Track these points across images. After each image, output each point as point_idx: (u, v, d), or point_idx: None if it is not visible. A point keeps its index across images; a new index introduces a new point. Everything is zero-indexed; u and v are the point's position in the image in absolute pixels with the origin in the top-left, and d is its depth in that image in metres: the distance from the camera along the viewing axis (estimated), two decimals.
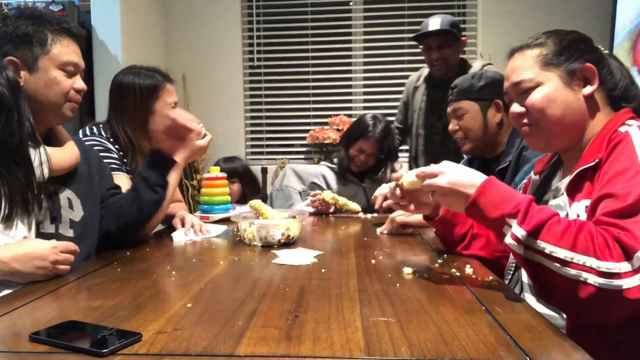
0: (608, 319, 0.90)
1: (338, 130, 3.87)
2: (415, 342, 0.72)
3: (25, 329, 0.79)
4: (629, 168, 0.92)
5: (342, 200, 2.08)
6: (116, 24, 3.21)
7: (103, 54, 3.19)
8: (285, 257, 1.30)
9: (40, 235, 1.26)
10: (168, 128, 1.56)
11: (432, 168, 1.06)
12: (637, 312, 0.86)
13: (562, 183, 1.12)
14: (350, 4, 4.05)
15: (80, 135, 1.70)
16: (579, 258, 0.87)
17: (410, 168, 2.98)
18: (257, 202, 1.66)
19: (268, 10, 4.10)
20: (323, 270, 1.16)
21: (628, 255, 0.85)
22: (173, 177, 1.54)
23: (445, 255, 1.31)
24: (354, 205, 2.10)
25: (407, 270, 1.12)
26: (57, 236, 1.29)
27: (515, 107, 1.15)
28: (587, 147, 1.07)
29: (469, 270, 1.13)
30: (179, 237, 1.61)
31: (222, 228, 1.74)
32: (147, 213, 1.46)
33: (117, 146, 1.73)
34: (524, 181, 1.57)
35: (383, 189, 1.85)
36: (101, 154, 1.63)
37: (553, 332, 0.77)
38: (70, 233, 1.32)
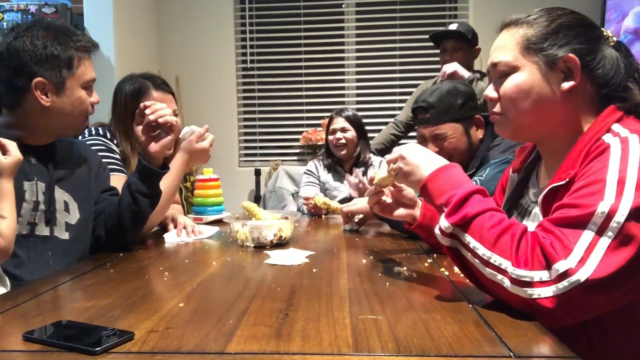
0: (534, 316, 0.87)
1: None
2: (402, 338, 0.74)
3: (18, 328, 0.80)
4: (593, 182, 0.85)
5: (334, 204, 2.10)
6: (109, 26, 3.22)
7: (96, 57, 3.18)
8: (277, 257, 1.32)
9: (34, 237, 1.27)
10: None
11: (394, 151, 1.07)
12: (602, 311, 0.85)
13: (540, 196, 1.01)
14: (343, 6, 4.07)
15: (86, 135, 1.72)
16: (495, 258, 0.85)
17: None
18: (249, 204, 1.67)
19: (261, 12, 4.12)
20: (314, 270, 1.18)
21: (548, 265, 0.81)
22: (168, 181, 1.53)
23: (434, 255, 1.33)
24: None
25: (397, 270, 1.14)
26: (52, 239, 1.30)
27: (489, 91, 1.07)
28: (567, 156, 0.97)
29: (457, 269, 1.15)
30: (171, 239, 1.62)
31: (215, 229, 1.75)
32: (127, 220, 1.41)
33: (120, 148, 1.74)
34: (483, 176, 1.55)
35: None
36: (103, 153, 1.64)
37: (537, 328, 0.79)
38: (65, 236, 1.33)
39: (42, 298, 1.00)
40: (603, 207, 0.82)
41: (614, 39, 1.02)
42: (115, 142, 1.74)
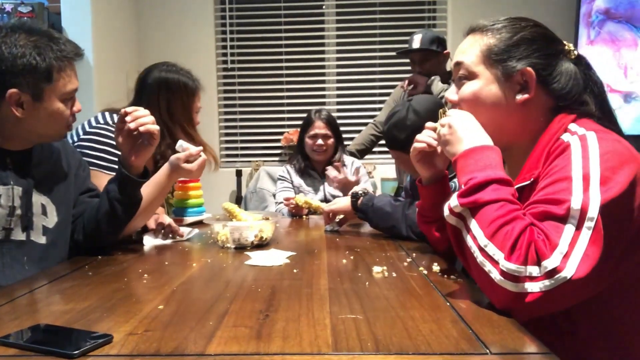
0: (509, 310, 0.88)
1: None
2: (381, 337, 0.75)
3: None
4: (561, 180, 0.88)
5: (315, 203, 2.11)
6: (87, 26, 3.18)
7: None
8: (257, 258, 1.32)
9: (10, 242, 1.25)
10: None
11: (449, 113, 1.07)
12: (584, 302, 0.88)
13: None
14: (323, 7, 4.08)
15: (94, 122, 1.69)
16: (490, 248, 0.87)
17: (397, 167, 3.13)
18: (230, 205, 1.67)
19: (241, 12, 4.11)
20: (295, 271, 1.18)
21: (539, 261, 0.84)
22: (149, 191, 1.48)
23: (414, 254, 1.34)
24: None
25: (377, 269, 1.15)
26: (29, 243, 1.27)
27: (450, 94, 1.11)
28: (527, 159, 1.01)
29: (435, 268, 1.17)
30: (150, 241, 1.59)
31: (195, 231, 1.74)
32: (105, 226, 1.38)
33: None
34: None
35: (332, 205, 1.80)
36: (108, 148, 1.62)
37: (513, 325, 0.81)
38: (42, 240, 1.30)
39: (18, 302, 0.98)
40: (576, 203, 0.85)
41: (575, 52, 1.06)
42: None
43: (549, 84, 1.02)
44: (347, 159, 2.69)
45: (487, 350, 0.70)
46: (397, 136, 1.66)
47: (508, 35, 1.04)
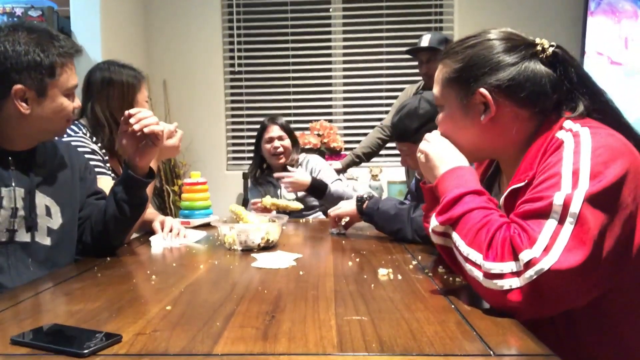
0: (507, 311, 0.87)
1: (319, 135, 3.91)
2: (386, 338, 0.76)
3: (6, 332, 0.81)
4: (551, 176, 0.89)
5: (283, 202, 2.13)
6: (96, 30, 3.21)
7: (83, 60, 3.15)
8: (264, 260, 1.33)
9: (15, 244, 1.25)
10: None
11: (426, 138, 1.11)
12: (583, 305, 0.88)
13: (502, 198, 1.03)
14: (330, 10, 4.09)
15: (71, 134, 1.70)
16: (472, 254, 0.90)
17: (406, 170, 3.13)
18: (237, 207, 1.68)
19: (248, 16, 4.13)
20: (301, 273, 1.19)
21: (515, 256, 0.85)
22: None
23: (419, 257, 1.35)
24: (295, 205, 2.17)
25: (382, 272, 1.16)
26: (33, 245, 1.28)
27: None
28: (524, 158, 1.00)
29: (441, 270, 1.18)
30: (157, 242, 1.61)
31: (202, 233, 1.75)
32: (113, 227, 1.40)
33: (99, 144, 1.72)
34: None
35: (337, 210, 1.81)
36: (88, 156, 1.61)
37: (517, 327, 0.81)
38: (47, 241, 1.31)
39: (30, 302, 1.00)
40: (560, 197, 0.85)
41: (550, 50, 1.00)
42: (94, 139, 1.72)
43: (513, 95, 1.00)
44: (301, 156, 2.77)
45: (491, 352, 0.71)
46: (408, 126, 1.66)
47: (458, 61, 1.05)
